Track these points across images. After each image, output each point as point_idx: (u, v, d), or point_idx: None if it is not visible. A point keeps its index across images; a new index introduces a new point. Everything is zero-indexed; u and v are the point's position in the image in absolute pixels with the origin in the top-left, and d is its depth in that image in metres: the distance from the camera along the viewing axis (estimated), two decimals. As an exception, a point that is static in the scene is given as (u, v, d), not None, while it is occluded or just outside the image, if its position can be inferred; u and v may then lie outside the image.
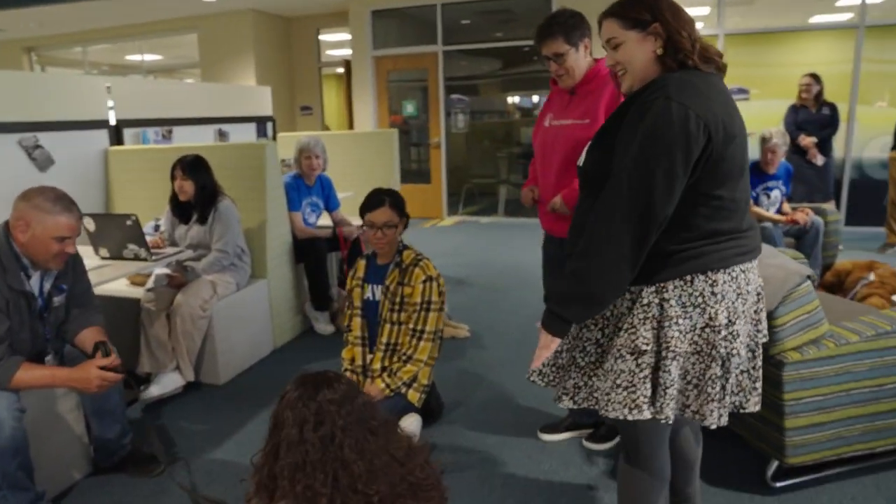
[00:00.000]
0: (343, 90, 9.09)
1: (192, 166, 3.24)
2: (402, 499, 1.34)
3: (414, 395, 2.60)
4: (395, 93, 8.26)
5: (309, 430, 1.34)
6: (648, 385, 1.50)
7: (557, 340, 1.51)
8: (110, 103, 4.09)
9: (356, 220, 4.42)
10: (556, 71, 2.34)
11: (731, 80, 6.78)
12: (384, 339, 2.60)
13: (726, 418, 1.54)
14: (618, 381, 1.51)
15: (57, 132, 3.70)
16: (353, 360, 2.72)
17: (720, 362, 1.48)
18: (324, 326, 4.04)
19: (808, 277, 2.15)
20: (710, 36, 7.38)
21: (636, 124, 1.40)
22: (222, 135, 5.16)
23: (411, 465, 1.41)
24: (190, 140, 4.66)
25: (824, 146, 5.51)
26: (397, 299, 2.58)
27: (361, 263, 2.72)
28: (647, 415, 1.50)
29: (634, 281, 1.46)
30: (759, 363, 1.60)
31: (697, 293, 1.46)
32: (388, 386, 2.56)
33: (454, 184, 8.32)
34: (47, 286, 2.23)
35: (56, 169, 3.69)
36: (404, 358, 2.57)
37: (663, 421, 1.50)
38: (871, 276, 3.79)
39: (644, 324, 1.48)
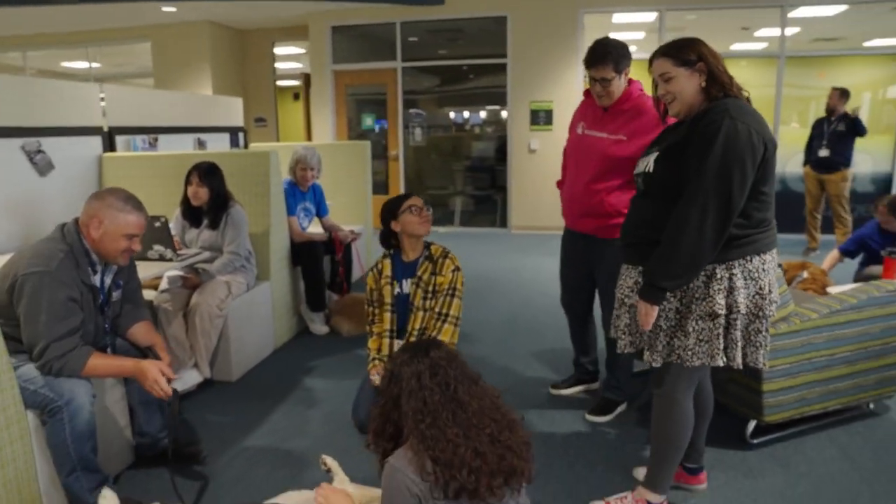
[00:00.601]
0: (302, 103, 9.22)
1: (208, 173, 3.39)
2: (506, 432, 1.62)
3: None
4: (353, 106, 8.50)
5: (426, 379, 1.62)
6: (721, 340, 1.96)
7: (657, 308, 1.96)
8: (103, 111, 4.16)
9: (346, 226, 4.67)
10: (598, 92, 2.73)
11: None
12: (417, 325, 2.87)
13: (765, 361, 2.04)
14: (700, 338, 1.98)
15: (55, 137, 3.76)
16: (379, 350, 2.97)
17: (764, 322, 1.99)
18: (319, 327, 4.23)
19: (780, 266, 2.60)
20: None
21: (710, 141, 1.84)
22: (201, 144, 5.26)
23: (505, 408, 1.70)
24: (172, 148, 4.75)
25: None
26: (430, 288, 2.86)
27: (386, 263, 2.98)
28: (719, 363, 1.97)
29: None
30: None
31: (754, 269, 1.95)
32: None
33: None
34: (107, 281, 2.38)
35: (55, 174, 3.74)
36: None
37: (735, 366, 1.98)
38: (805, 274, 4.37)
39: (718, 294, 1.93)
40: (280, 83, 9.63)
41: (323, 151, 4.45)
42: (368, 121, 8.43)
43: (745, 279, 1.94)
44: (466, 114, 8.66)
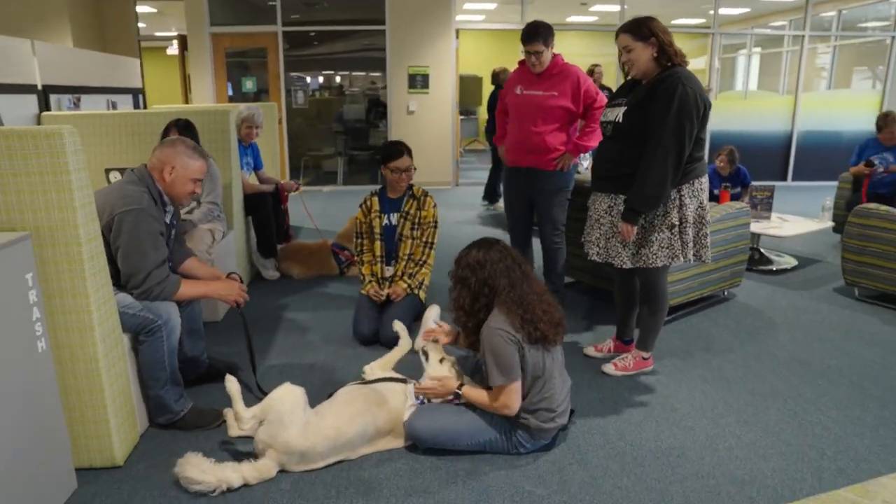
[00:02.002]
0: (178, 65, 8.90)
1: (187, 129, 3.61)
2: (548, 296, 2.34)
3: (422, 295, 3.52)
4: (233, 69, 8.45)
5: (508, 260, 2.28)
6: (679, 244, 2.75)
7: (636, 227, 2.71)
8: (36, 67, 4.08)
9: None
10: (532, 62, 3.49)
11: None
12: (407, 252, 3.46)
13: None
14: (661, 245, 2.77)
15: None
16: (372, 273, 3.51)
17: (706, 227, 2.81)
18: (271, 272, 4.59)
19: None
20: (511, 30, 8.95)
21: (668, 101, 2.58)
22: (113, 105, 5.20)
23: (543, 287, 2.41)
24: (88, 109, 4.71)
25: None
26: (416, 221, 3.45)
27: (374, 200, 3.50)
28: (681, 260, 2.78)
29: None
30: None
31: (695, 189, 2.76)
32: (409, 286, 3.43)
33: (294, 158, 8.85)
34: (167, 221, 2.67)
35: None
36: (420, 263, 3.47)
37: (687, 262, 2.81)
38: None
39: (673, 210, 2.72)
40: (148, 45, 9.16)
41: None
42: (249, 84, 8.45)
43: (691, 197, 2.75)
44: (347, 77, 9.02)
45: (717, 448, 2.49)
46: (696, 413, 2.76)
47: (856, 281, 4.15)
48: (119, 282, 2.42)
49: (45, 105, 4.12)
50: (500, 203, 7.34)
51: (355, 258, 4.58)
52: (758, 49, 12.09)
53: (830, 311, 4.01)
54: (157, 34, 11.84)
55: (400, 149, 3.41)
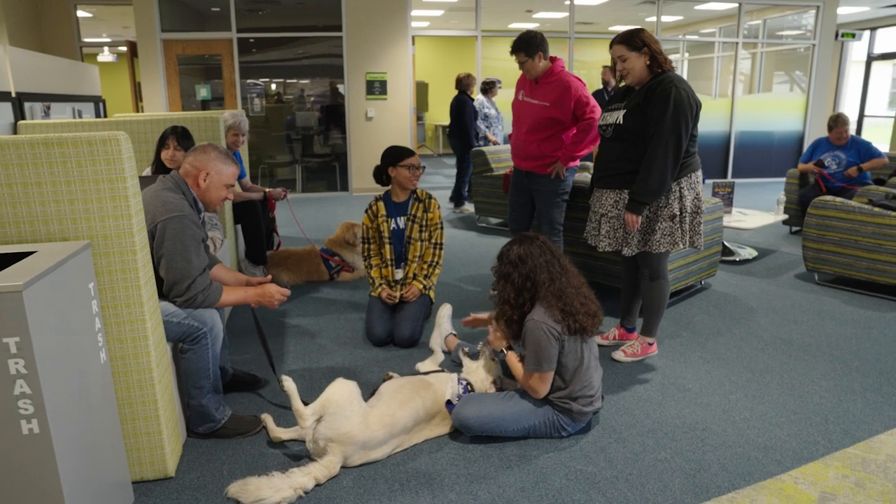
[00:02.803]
0: (127, 72, 8.56)
1: (185, 136, 3.56)
2: (585, 288, 2.49)
3: (432, 294, 3.61)
4: (186, 76, 8.23)
5: (548, 254, 2.40)
6: (679, 232, 2.97)
7: (640, 218, 2.92)
8: (9, 72, 3.91)
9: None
10: (524, 69, 3.65)
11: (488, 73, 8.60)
12: (417, 253, 3.53)
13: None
14: (664, 233, 2.97)
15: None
16: (383, 276, 3.57)
17: (701, 217, 3.03)
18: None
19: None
20: (460, 37, 9.14)
21: (665, 103, 2.80)
22: (79, 113, 5.01)
23: (582, 280, 2.55)
24: (55, 117, 4.53)
25: None
26: (424, 223, 3.52)
27: (380, 205, 3.56)
28: (681, 247, 2.99)
29: None
30: None
31: (692, 182, 2.98)
32: (424, 286, 3.51)
33: (251, 165, 8.68)
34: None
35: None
36: (433, 264, 3.55)
37: (688, 248, 3.04)
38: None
39: (674, 201, 2.94)
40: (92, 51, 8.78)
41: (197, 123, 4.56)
42: (203, 91, 8.26)
43: (688, 189, 3.00)
44: (305, 84, 8.95)
45: (734, 420, 2.70)
46: (707, 391, 2.97)
47: (816, 267, 4.52)
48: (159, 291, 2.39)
49: (20, 114, 3.95)
50: (466, 206, 7.49)
51: (345, 264, 4.62)
52: (686, 55, 12.81)
53: (797, 295, 4.36)
54: (87, 40, 11.35)
55: (409, 148, 3.51)
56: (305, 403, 2.35)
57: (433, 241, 3.56)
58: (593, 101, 3.64)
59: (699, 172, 3.06)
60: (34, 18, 8.18)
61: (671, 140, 2.84)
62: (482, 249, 5.78)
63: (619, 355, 3.28)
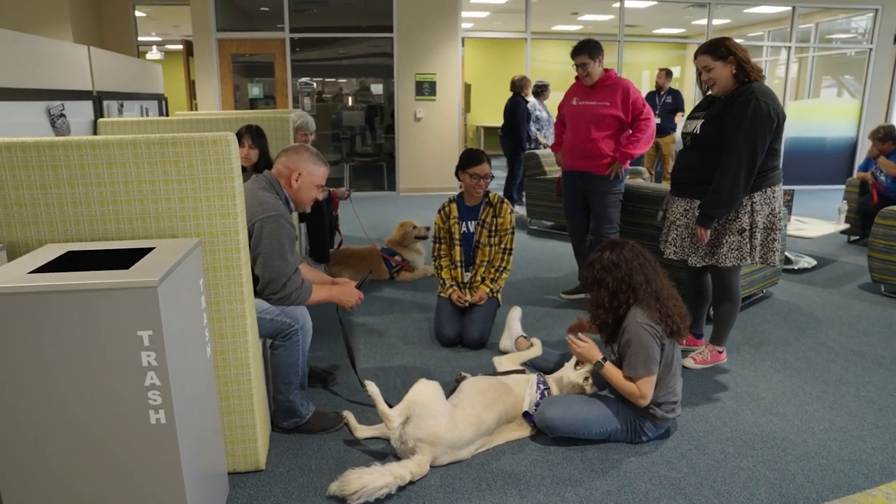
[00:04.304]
0: (183, 70, 8.77)
1: (259, 135, 3.65)
2: (673, 290, 2.49)
3: (499, 297, 3.64)
4: (239, 75, 8.39)
5: (641, 258, 2.42)
6: (748, 247, 2.93)
7: (709, 231, 2.90)
8: (91, 73, 4.05)
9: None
10: (581, 74, 3.79)
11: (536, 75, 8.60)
12: (485, 259, 3.57)
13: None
14: (731, 247, 2.94)
15: (59, 101, 3.65)
16: (453, 278, 3.61)
17: (776, 233, 2.98)
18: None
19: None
20: (519, 38, 9.15)
21: (743, 114, 2.77)
22: (146, 112, 5.15)
23: (670, 283, 2.56)
24: (128, 115, 4.67)
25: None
26: (493, 228, 3.55)
27: (453, 206, 3.60)
28: (748, 262, 2.96)
29: None
30: None
31: (767, 197, 2.92)
32: (491, 290, 3.54)
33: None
34: (288, 226, 2.72)
35: (68, 141, 3.65)
36: (501, 269, 3.58)
37: (755, 264, 2.98)
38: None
39: (744, 216, 2.90)
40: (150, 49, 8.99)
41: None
42: (255, 90, 8.41)
43: (762, 204, 2.93)
44: (353, 83, 9.06)
45: (814, 431, 2.68)
46: (782, 400, 2.95)
47: (883, 278, 4.44)
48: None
49: (99, 111, 4.08)
50: (517, 208, 7.51)
51: (405, 263, 4.67)
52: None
53: (864, 306, 4.29)
54: (141, 39, 11.62)
55: (479, 156, 3.50)
56: (389, 405, 2.40)
57: (503, 245, 3.58)
58: (647, 106, 3.85)
59: (778, 187, 2.98)
60: (96, 17, 8.41)
61: (745, 153, 2.79)
62: (536, 252, 5.79)
63: (688, 362, 3.27)
